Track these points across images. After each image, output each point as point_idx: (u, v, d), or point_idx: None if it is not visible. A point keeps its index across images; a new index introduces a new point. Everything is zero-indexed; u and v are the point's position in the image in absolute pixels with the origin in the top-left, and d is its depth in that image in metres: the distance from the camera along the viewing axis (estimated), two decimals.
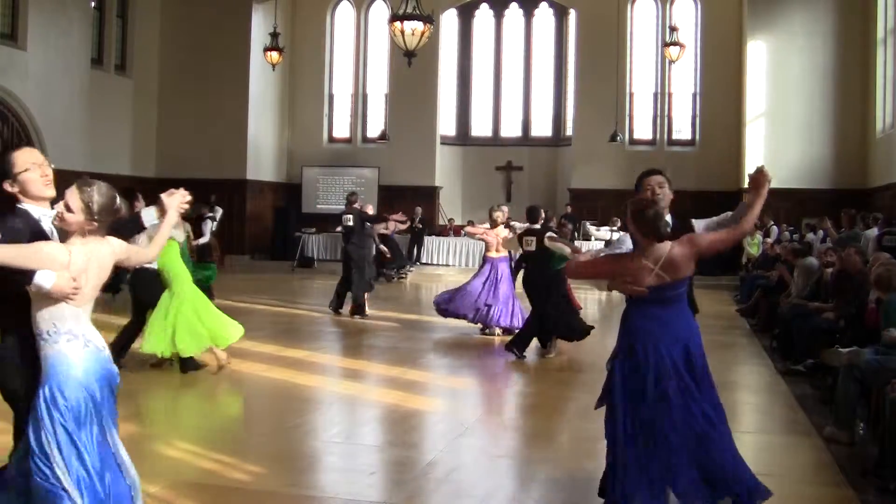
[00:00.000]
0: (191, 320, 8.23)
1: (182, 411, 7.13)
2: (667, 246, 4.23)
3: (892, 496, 5.12)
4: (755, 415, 7.71)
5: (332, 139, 25.19)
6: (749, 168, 20.95)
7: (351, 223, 13.45)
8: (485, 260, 11.67)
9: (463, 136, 25.51)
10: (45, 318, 3.56)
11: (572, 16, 24.15)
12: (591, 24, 23.22)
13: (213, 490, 5.07)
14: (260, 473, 5.40)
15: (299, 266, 21.63)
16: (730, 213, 4.69)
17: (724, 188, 21.11)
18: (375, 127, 24.76)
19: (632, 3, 23.50)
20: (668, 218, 4.51)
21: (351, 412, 7.54)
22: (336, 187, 24.25)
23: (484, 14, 25.54)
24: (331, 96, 25.19)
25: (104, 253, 3.73)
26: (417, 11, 12.48)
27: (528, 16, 25.35)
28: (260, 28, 22.27)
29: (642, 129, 23.77)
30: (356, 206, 13.70)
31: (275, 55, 19.89)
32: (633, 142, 23.56)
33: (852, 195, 18.94)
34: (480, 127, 25.69)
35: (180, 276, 8.34)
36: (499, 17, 25.51)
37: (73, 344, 3.58)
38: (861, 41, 20.10)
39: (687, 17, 23.12)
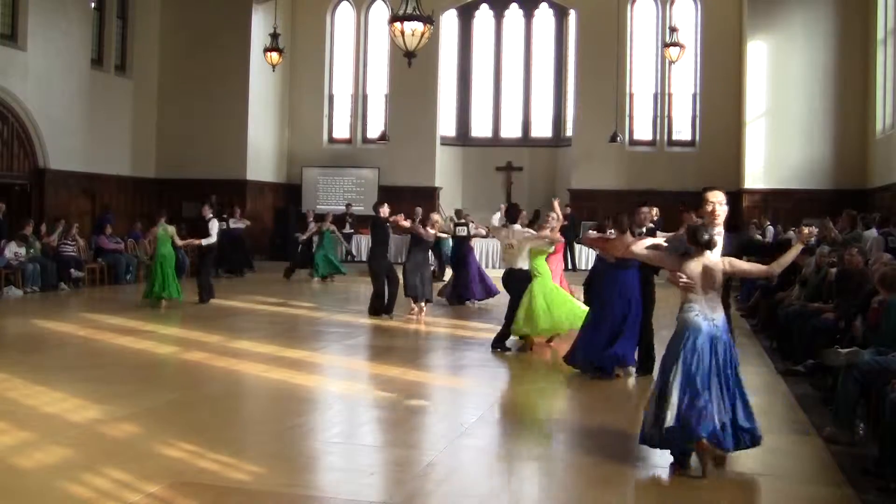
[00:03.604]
0: (538, 308, 9.93)
1: (182, 411, 7.12)
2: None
3: (892, 496, 5.12)
4: (755, 415, 7.70)
5: (332, 140, 25.19)
6: (749, 168, 21.19)
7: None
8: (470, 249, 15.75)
9: (463, 137, 25.50)
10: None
11: (572, 16, 24.15)
12: (591, 24, 23.21)
13: (213, 490, 5.06)
14: (260, 473, 5.40)
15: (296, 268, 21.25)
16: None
17: (725, 188, 21.04)
18: (375, 127, 24.75)
19: (632, 4, 23.49)
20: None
21: (351, 412, 7.54)
22: (336, 188, 24.26)
23: (484, 14, 25.53)
24: (331, 97, 25.19)
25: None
26: (417, 12, 12.45)
27: (528, 16, 25.34)
28: (260, 28, 22.26)
29: (642, 129, 23.76)
30: (381, 213, 13.60)
31: (275, 56, 19.88)
32: (633, 142, 23.55)
33: (852, 195, 18.94)
34: (480, 127, 25.68)
35: (543, 274, 10.21)
36: (499, 17, 25.51)
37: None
38: (861, 41, 20.10)
39: (687, 17, 23.11)
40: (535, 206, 21.77)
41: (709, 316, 5.64)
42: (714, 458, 5.61)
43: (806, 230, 5.71)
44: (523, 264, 10.18)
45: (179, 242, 14.63)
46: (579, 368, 8.78)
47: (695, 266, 5.63)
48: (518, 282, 10.16)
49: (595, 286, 9.26)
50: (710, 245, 5.62)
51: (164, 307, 13.95)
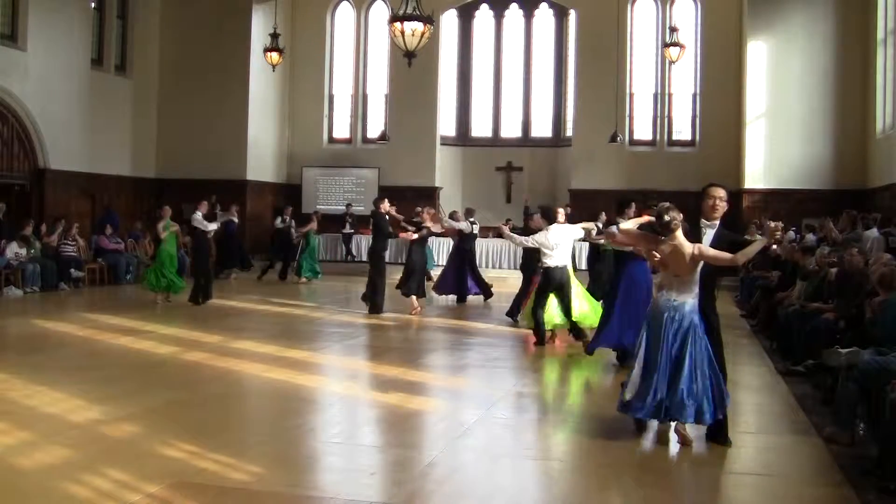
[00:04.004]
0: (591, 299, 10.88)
1: (182, 411, 7.12)
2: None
3: (892, 496, 5.11)
4: (755, 415, 7.71)
5: (332, 140, 25.19)
6: (749, 168, 21.16)
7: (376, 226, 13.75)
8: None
9: (463, 137, 25.50)
10: None
11: (572, 16, 24.15)
12: (591, 24, 23.21)
13: (213, 490, 5.06)
14: (260, 473, 5.40)
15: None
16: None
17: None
18: (375, 127, 24.74)
19: (632, 4, 23.49)
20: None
21: (351, 412, 7.54)
22: (336, 188, 24.27)
23: (484, 14, 25.53)
24: (331, 97, 25.19)
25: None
26: (417, 12, 12.46)
27: (528, 16, 25.34)
28: (260, 28, 22.26)
29: (642, 129, 23.75)
30: (381, 209, 13.74)
31: (275, 56, 19.88)
32: (633, 142, 23.55)
33: (852, 195, 18.94)
34: (480, 127, 25.68)
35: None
36: (499, 17, 25.51)
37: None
38: (861, 41, 20.09)
39: (687, 17, 23.11)
40: (536, 206, 21.77)
41: (673, 299, 6.13)
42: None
43: (772, 224, 6.01)
44: (568, 261, 10.62)
45: (162, 235, 14.66)
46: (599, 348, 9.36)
47: (666, 247, 6.12)
48: (567, 278, 10.45)
49: (601, 273, 10.23)
50: (669, 225, 6.03)
51: (163, 303, 14.12)
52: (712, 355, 6.11)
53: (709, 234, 6.25)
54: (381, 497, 5.15)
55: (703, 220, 6.31)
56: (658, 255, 6.13)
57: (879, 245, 11.54)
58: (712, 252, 6.06)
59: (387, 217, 13.72)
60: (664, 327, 6.07)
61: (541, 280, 10.64)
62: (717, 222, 6.30)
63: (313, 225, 19.65)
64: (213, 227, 14.91)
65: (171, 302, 14.50)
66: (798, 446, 6.45)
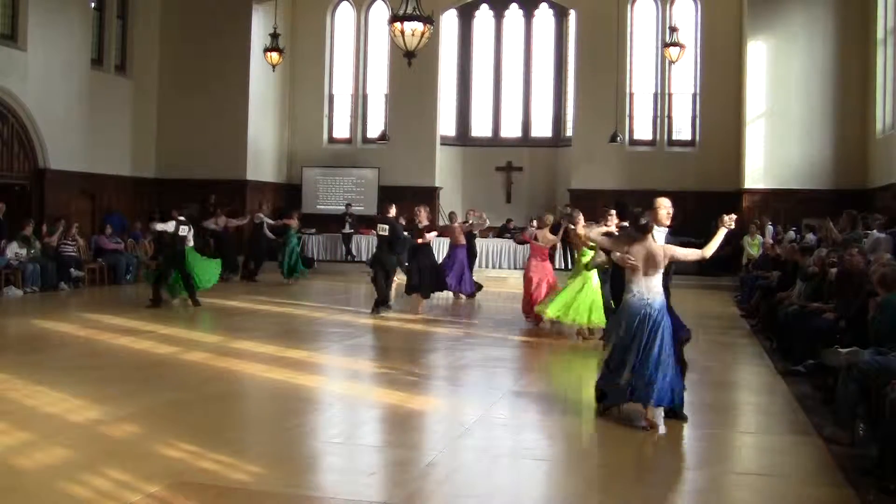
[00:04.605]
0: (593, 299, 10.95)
1: (182, 411, 7.12)
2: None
3: (892, 496, 5.12)
4: (755, 415, 7.71)
5: (332, 140, 25.19)
6: (749, 168, 21.14)
7: (386, 233, 13.63)
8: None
9: (463, 137, 25.50)
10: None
11: (572, 16, 24.15)
12: (591, 24, 23.21)
13: (213, 490, 5.06)
14: (260, 473, 5.40)
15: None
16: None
17: (725, 188, 21.10)
18: (375, 127, 24.75)
19: (632, 4, 23.49)
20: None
21: (351, 412, 7.54)
22: (336, 188, 24.27)
23: (484, 14, 25.54)
24: (331, 96, 25.19)
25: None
26: (417, 12, 12.47)
27: (528, 16, 25.35)
28: (260, 28, 22.26)
29: (642, 129, 23.75)
30: (391, 214, 13.83)
31: (275, 56, 19.88)
32: (633, 142, 23.55)
33: (852, 195, 18.92)
34: (480, 127, 25.69)
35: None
36: (499, 17, 25.51)
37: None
38: (861, 41, 20.08)
39: (687, 17, 23.11)
40: (536, 205, 21.84)
41: (645, 296, 6.63)
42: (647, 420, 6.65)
43: (726, 217, 6.65)
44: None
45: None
46: None
47: (639, 249, 6.62)
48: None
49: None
50: (646, 227, 6.64)
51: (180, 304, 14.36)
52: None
53: (660, 237, 7.02)
54: (381, 497, 5.15)
55: (655, 226, 7.08)
56: (632, 258, 6.61)
57: (887, 245, 11.47)
58: (681, 250, 6.73)
59: (400, 220, 13.96)
60: (639, 324, 6.60)
61: (602, 278, 10.89)
62: (666, 228, 7.15)
63: (293, 222, 19.54)
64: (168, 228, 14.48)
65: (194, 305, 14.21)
66: (798, 446, 6.45)
